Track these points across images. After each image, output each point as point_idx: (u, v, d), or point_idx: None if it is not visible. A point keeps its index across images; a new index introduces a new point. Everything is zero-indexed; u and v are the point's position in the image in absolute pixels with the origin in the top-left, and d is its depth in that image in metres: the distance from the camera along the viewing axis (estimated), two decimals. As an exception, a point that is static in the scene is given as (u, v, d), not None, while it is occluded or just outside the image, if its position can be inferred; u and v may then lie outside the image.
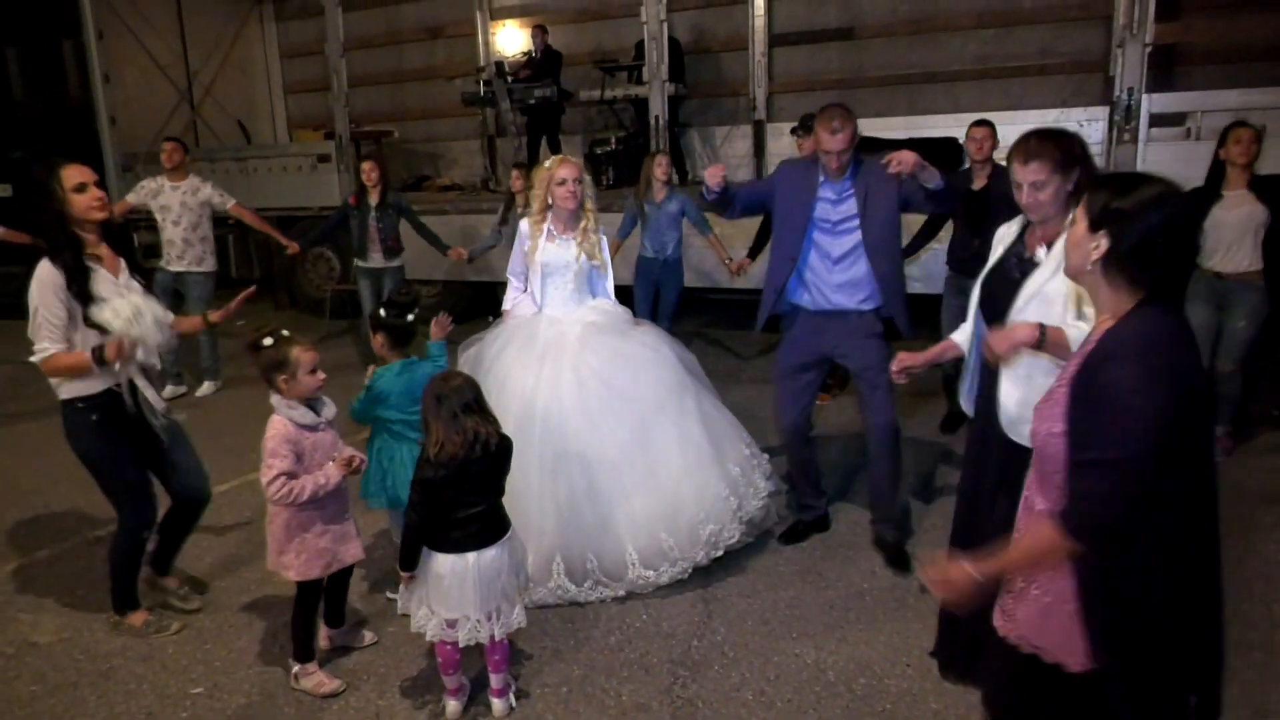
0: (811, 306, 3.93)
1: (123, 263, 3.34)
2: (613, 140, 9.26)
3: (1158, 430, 1.64)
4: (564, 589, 3.62)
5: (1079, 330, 2.26)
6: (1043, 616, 1.86)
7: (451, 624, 2.84)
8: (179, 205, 6.58)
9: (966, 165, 5.41)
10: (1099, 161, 7.52)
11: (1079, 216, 1.83)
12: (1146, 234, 1.70)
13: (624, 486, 3.71)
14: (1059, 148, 2.45)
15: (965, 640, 2.77)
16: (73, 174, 3.17)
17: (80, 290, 3.12)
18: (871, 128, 8.45)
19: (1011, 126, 7.87)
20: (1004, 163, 5.65)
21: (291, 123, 12.47)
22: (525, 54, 9.68)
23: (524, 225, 4.10)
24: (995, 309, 2.59)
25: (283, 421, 3.01)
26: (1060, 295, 2.39)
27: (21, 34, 13.02)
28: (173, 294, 6.51)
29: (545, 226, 4.01)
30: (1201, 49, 7.53)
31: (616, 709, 3.04)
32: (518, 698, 3.07)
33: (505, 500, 2.97)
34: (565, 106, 9.52)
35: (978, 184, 5.22)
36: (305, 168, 9.51)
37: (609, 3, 10.05)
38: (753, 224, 6.75)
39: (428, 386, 2.84)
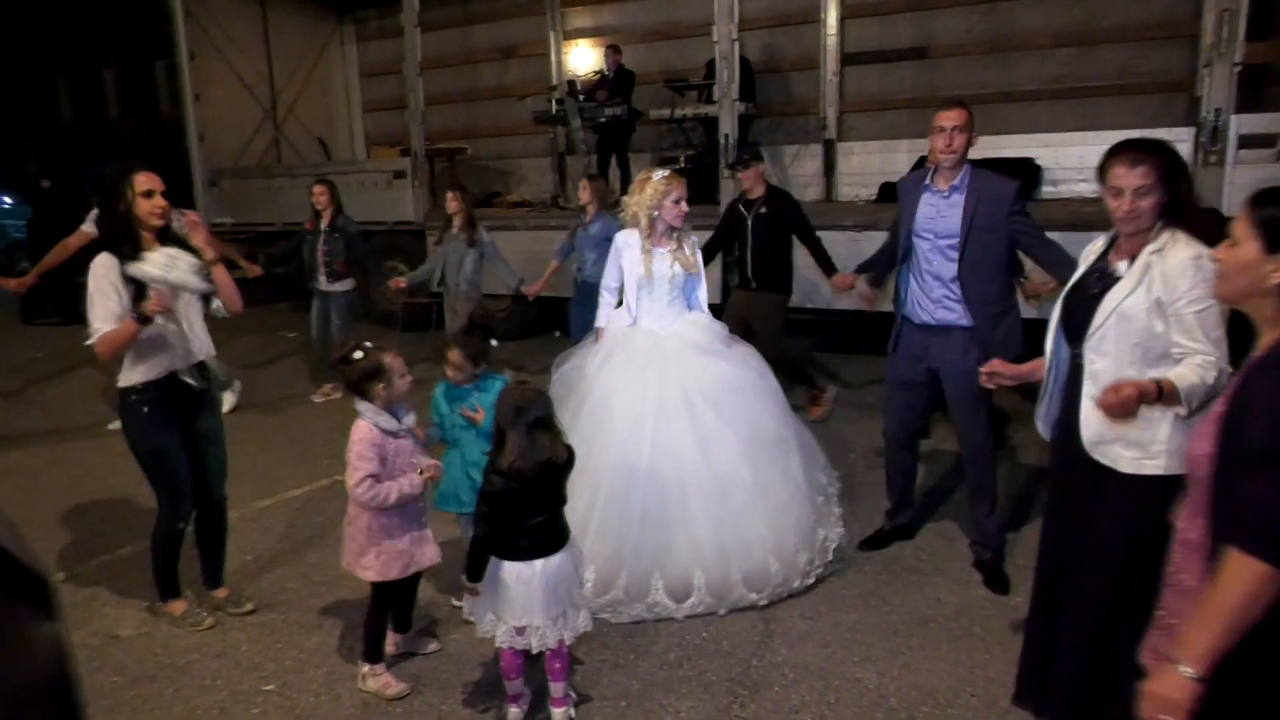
0: (914, 318, 3.92)
1: None
2: (681, 159, 9.33)
3: None
4: (662, 606, 3.65)
5: (1194, 376, 2.19)
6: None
7: (520, 631, 2.88)
8: None
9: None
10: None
11: (1242, 237, 1.70)
12: None
13: (736, 511, 3.73)
14: (1166, 156, 2.35)
15: (1047, 670, 2.68)
16: (143, 180, 3.39)
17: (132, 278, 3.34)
18: (944, 147, 8.41)
19: (1091, 147, 7.84)
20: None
21: (369, 140, 12.85)
22: (598, 73, 9.83)
23: (620, 238, 4.12)
24: (1074, 326, 2.51)
25: (368, 426, 3.10)
26: (1140, 310, 2.31)
27: (118, 56, 13.66)
28: None
29: (644, 240, 4.04)
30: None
31: (675, 725, 3.04)
32: (576, 708, 3.09)
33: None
34: (635, 125, 9.62)
35: None
36: (381, 184, 9.78)
37: (679, 22, 10.15)
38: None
39: (504, 397, 2.88)
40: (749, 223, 5.98)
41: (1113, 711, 2.45)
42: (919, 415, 4.18)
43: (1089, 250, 2.63)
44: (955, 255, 3.73)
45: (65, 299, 10.37)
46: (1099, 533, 2.41)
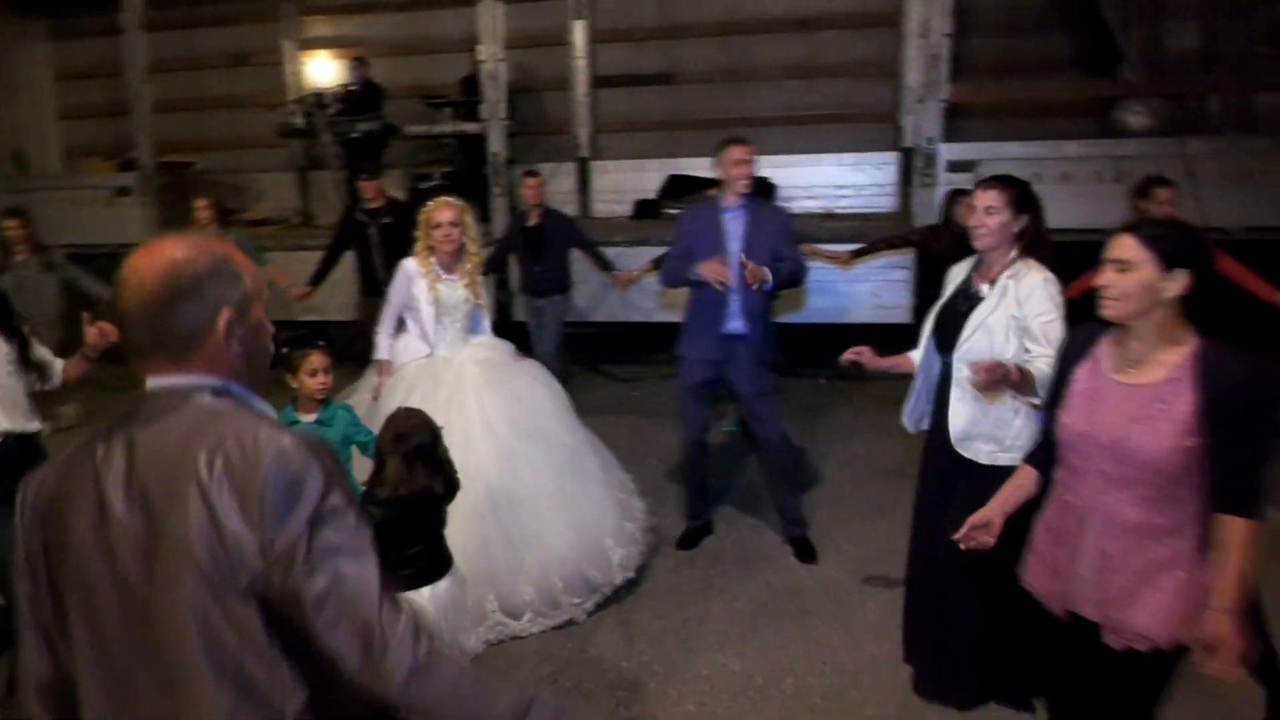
0: (713, 330, 4.24)
1: None
2: (436, 175, 9.21)
3: None
4: (504, 625, 3.69)
5: (1042, 369, 2.61)
6: (1191, 607, 1.97)
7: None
8: None
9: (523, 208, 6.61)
10: (890, 201, 8.45)
11: (1135, 260, 1.90)
12: (1212, 273, 1.97)
13: (548, 523, 3.85)
14: (1014, 188, 2.85)
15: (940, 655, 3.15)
16: None
17: None
18: (690, 167, 9.00)
19: (815, 169, 8.80)
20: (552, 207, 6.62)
21: (70, 151, 11.38)
22: (343, 86, 9.45)
23: (409, 264, 4.12)
24: (945, 337, 3.00)
25: None
26: (1001, 327, 2.82)
27: None
28: None
29: (432, 267, 4.07)
30: (979, 105, 8.58)
31: (568, 735, 3.12)
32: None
33: None
34: (388, 141, 9.38)
35: (532, 222, 6.41)
36: (100, 201, 8.77)
37: (430, 37, 10.02)
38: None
39: (387, 423, 2.85)
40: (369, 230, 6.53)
41: (1015, 681, 3.00)
42: (709, 416, 4.62)
43: (955, 273, 3.10)
44: (739, 272, 4.10)
45: None
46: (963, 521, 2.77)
